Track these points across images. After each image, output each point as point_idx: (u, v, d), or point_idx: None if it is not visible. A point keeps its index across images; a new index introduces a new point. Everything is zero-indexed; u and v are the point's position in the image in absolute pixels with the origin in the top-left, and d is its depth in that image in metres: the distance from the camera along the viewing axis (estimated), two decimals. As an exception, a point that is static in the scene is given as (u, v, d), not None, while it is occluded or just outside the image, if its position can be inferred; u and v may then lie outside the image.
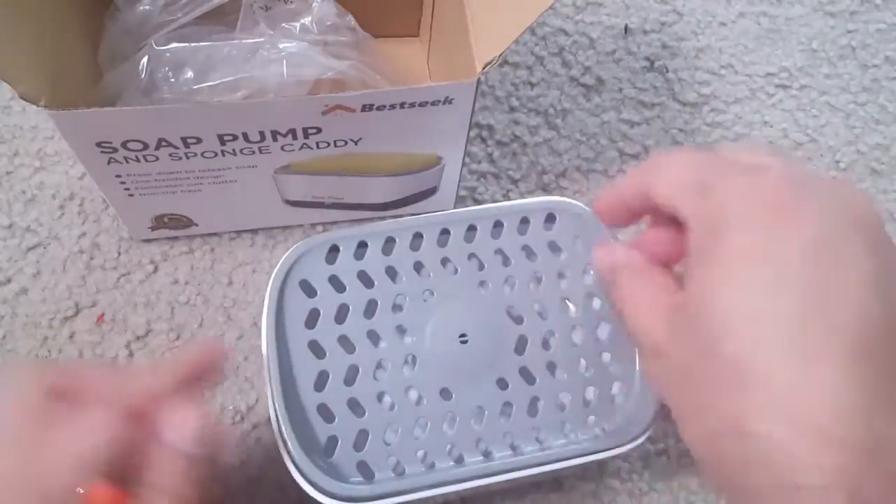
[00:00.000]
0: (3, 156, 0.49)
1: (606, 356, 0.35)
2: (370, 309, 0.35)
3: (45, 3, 0.38)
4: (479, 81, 0.38)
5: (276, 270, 0.35)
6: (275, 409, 0.32)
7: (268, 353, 0.33)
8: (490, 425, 0.34)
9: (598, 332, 0.36)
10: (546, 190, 0.51)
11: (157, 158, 0.39)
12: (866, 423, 0.21)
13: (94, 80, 0.44)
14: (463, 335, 0.35)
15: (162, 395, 0.28)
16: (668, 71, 0.55)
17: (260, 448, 0.41)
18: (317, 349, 0.34)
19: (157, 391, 0.28)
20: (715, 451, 0.23)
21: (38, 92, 0.34)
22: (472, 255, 0.36)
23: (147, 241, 0.47)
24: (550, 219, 0.37)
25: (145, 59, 0.44)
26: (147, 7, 0.44)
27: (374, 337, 0.35)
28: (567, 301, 0.36)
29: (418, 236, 0.36)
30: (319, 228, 0.48)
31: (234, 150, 0.39)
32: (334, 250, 0.36)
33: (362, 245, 0.36)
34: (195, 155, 0.39)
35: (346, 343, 0.34)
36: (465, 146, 0.43)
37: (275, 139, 0.39)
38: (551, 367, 0.35)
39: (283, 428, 0.32)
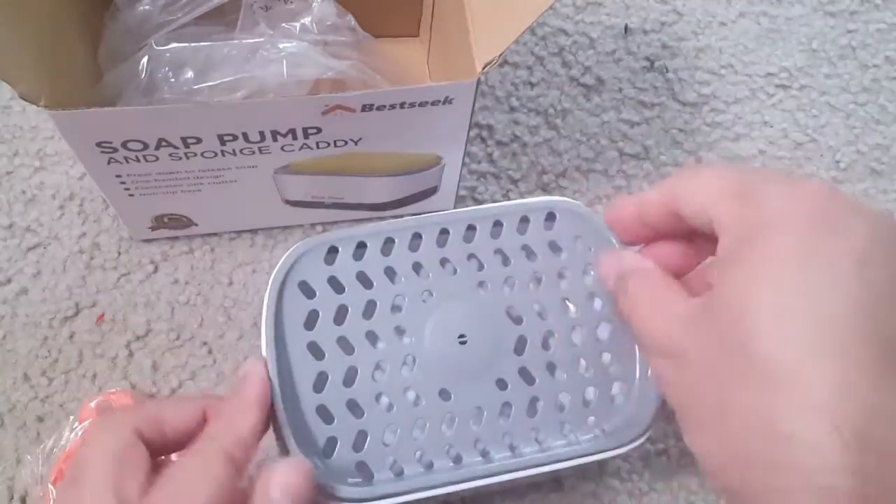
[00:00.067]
0: (3, 156, 0.49)
1: (607, 356, 0.35)
2: (369, 310, 0.35)
3: (45, 3, 0.38)
4: (479, 81, 0.38)
5: (274, 272, 0.35)
6: (274, 411, 0.32)
7: (267, 354, 0.33)
8: (489, 426, 0.34)
9: (598, 333, 0.36)
10: (546, 190, 0.51)
11: (157, 158, 0.39)
12: None
13: (94, 80, 0.44)
14: (462, 336, 0.35)
15: (254, 439, 0.30)
16: (668, 71, 0.55)
17: (259, 449, 0.41)
18: (316, 350, 0.34)
19: (248, 437, 0.30)
20: (737, 453, 0.23)
21: (38, 92, 0.34)
22: (471, 256, 0.36)
23: (147, 241, 0.47)
24: (550, 218, 0.37)
25: (145, 59, 0.44)
26: (147, 7, 0.44)
27: (372, 338, 0.35)
28: (567, 301, 0.36)
29: (417, 237, 0.36)
30: (319, 228, 0.48)
31: (234, 150, 0.39)
32: (333, 251, 0.36)
33: (361, 246, 0.36)
34: (195, 155, 0.39)
35: (345, 344, 0.34)
36: (465, 146, 0.43)
37: (275, 139, 0.39)
38: (551, 367, 0.35)
39: (282, 429, 0.32)
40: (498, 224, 0.37)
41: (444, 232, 0.36)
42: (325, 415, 0.33)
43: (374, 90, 0.41)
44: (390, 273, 0.35)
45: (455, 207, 0.48)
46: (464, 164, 0.45)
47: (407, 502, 0.33)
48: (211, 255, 0.47)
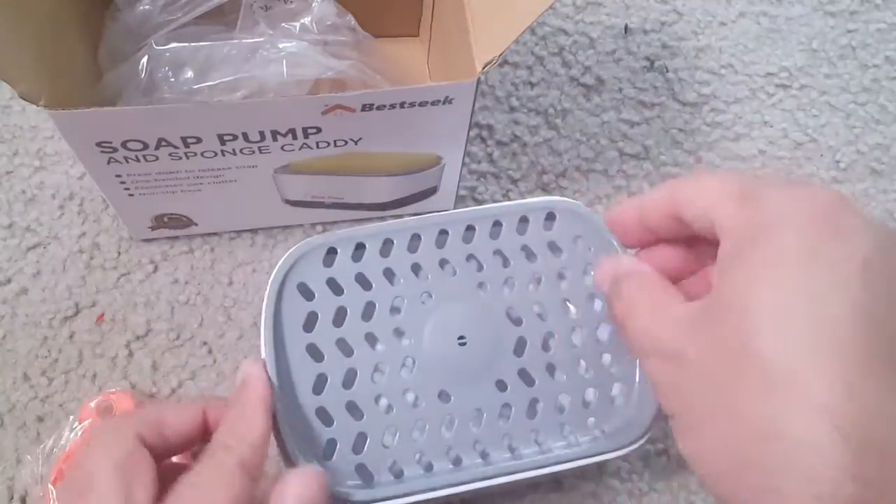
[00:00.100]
0: (3, 156, 0.49)
1: (607, 357, 0.35)
2: (368, 311, 0.35)
3: (45, 3, 0.38)
4: (479, 81, 0.38)
5: (273, 274, 0.35)
6: (273, 413, 0.32)
7: (266, 357, 0.33)
8: (488, 427, 0.34)
9: (598, 334, 0.35)
10: (546, 190, 0.51)
11: (157, 158, 0.39)
12: None
13: (94, 80, 0.44)
14: (461, 337, 0.34)
15: (264, 444, 0.30)
16: (668, 71, 0.55)
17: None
18: (315, 352, 0.34)
19: (258, 442, 0.30)
20: (734, 455, 0.23)
21: (38, 92, 0.34)
22: (470, 257, 0.36)
23: (147, 240, 0.47)
24: (550, 218, 0.37)
25: (145, 59, 0.44)
26: (147, 7, 0.44)
27: (372, 339, 0.34)
28: (567, 302, 0.36)
29: (416, 237, 0.36)
30: (319, 228, 0.48)
31: (234, 149, 0.39)
32: (332, 252, 0.35)
33: (360, 247, 0.36)
34: (195, 155, 0.39)
35: (344, 346, 0.34)
36: (465, 146, 0.43)
37: (275, 139, 0.39)
38: (551, 368, 0.35)
39: (282, 431, 0.32)
40: (497, 224, 0.36)
41: (444, 233, 0.36)
42: (324, 417, 0.33)
43: (374, 90, 0.41)
44: (389, 274, 0.35)
45: (455, 207, 0.48)
46: (464, 164, 0.45)
47: None
48: (211, 255, 0.47)
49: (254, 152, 0.40)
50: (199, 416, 0.31)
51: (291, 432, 0.32)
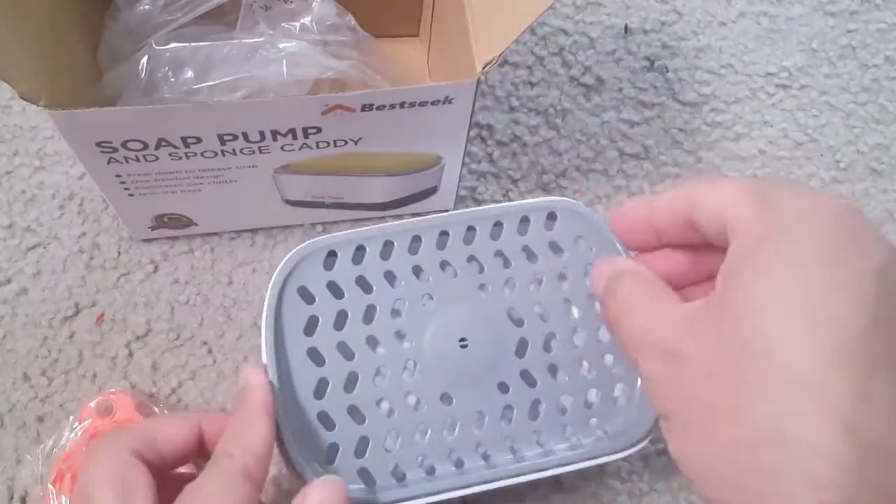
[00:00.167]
0: (3, 156, 0.49)
1: (609, 358, 0.35)
2: (369, 314, 0.35)
3: (45, 3, 0.38)
4: (479, 81, 0.38)
5: (273, 277, 0.34)
6: (276, 418, 0.32)
7: (267, 361, 0.33)
8: (491, 430, 0.34)
9: (600, 334, 0.35)
10: (546, 190, 0.51)
11: (157, 158, 0.39)
12: None
13: (94, 80, 0.44)
14: (463, 339, 0.34)
15: (267, 450, 0.30)
16: (668, 71, 0.55)
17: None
18: (316, 356, 0.34)
19: (261, 449, 0.30)
20: (734, 458, 0.22)
21: (38, 92, 0.34)
22: (471, 258, 0.36)
23: (147, 240, 0.47)
24: (551, 218, 0.37)
25: (145, 59, 0.44)
26: (147, 7, 0.44)
27: (373, 343, 0.34)
28: (569, 302, 0.36)
29: (417, 239, 0.36)
30: (319, 228, 0.48)
31: (234, 149, 0.39)
32: (332, 255, 0.35)
33: (360, 249, 0.35)
34: (195, 155, 0.39)
35: (345, 350, 0.34)
36: (465, 146, 0.43)
37: (275, 139, 0.39)
38: (552, 369, 0.35)
39: (283, 436, 0.32)
40: (498, 225, 0.36)
41: (444, 234, 0.36)
42: (326, 421, 0.33)
43: (374, 90, 0.41)
44: (390, 277, 0.35)
45: (455, 207, 0.48)
46: (464, 163, 0.45)
47: None
48: (211, 255, 0.47)
49: (254, 152, 0.40)
50: (195, 429, 0.31)
51: (293, 437, 0.32)
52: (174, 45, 0.44)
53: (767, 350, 0.21)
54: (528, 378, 0.34)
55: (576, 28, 0.57)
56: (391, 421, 0.33)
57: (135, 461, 0.29)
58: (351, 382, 0.34)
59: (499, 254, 0.36)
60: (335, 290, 0.35)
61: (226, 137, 0.38)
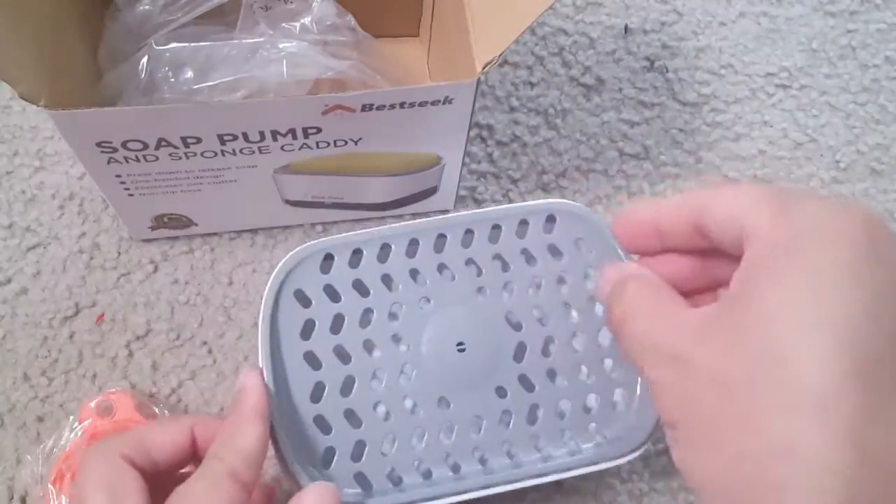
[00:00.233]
0: (3, 156, 0.49)
1: (608, 362, 0.35)
2: (366, 318, 0.34)
3: (45, 3, 0.38)
4: (479, 81, 0.38)
5: (270, 281, 0.34)
6: (272, 421, 0.32)
7: (263, 365, 0.33)
8: (488, 434, 0.33)
9: (599, 338, 0.35)
10: (546, 190, 0.51)
11: (157, 158, 0.39)
12: None
13: (94, 80, 0.44)
14: (460, 343, 0.34)
15: (258, 453, 0.30)
16: (668, 71, 0.55)
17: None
18: (312, 360, 0.34)
19: (252, 451, 0.30)
20: (745, 471, 0.21)
21: (38, 92, 0.34)
22: (469, 261, 0.35)
23: (147, 240, 0.47)
24: (550, 221, 0.36)
25: (145, 59, 0.44)
26: (147, 7, 0.44)
27: (369, 346, 0.34)
28: (568, 306, 0.36)
29: (414, 242, 0.35)
30: (319, 228, 0.48)
31: (234, 150, 0.39)
32: (329, 259, 0.35)
33: (357, 252, 0.35)
34: (195, 155, 0.39)
35: (341, 353, 0.34)
36: (465, 146, 0.43)
37: (275, 139, 0.39)
38: (551, 374, 0.34)
39: (279, 439, 0.32)
40: (496, 228, 0.36)
41: (442, 237, 0.36)
42: (322, 425, 0.33)
43: (374, 90, 0.41)
44: (387, 280, 0.35)
45: (455, 207, 0.48)
46: (464, 164, 0.45)
47: None
48: (211, 255, 0.47)
49: (254, 152, 0.40)
50: (187, 433, 0.31)
51: (289, 440, 0.32)
52: (174, 45, 0.44)
53: (782, 361, 0.21)
54: (526, 383, 0.34)
55: (576, 28, 0.57)
56: (388, 425, 0.33)
57: (126, 466, 0.29)
58: (347, 386, 0.33)
59: (497, 257, 0.36)
60: (332, 294, 0.35)
61: (226, 137, 0.38)
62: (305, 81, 0.44)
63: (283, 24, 0.46)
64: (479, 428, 0.34)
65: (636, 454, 0.34)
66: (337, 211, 0.47)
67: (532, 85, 0.54)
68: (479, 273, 0.35)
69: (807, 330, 0.21)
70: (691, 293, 0.29)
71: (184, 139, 0.38)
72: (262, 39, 0.45)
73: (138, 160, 0.39)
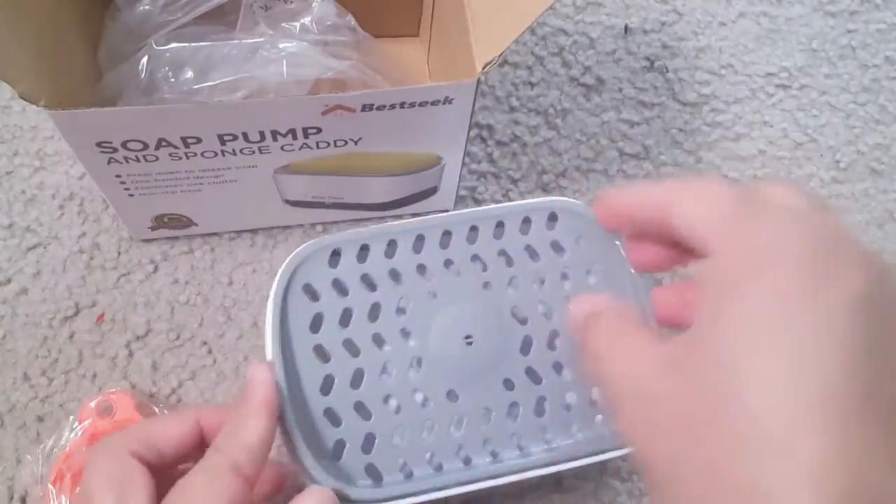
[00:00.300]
0: (3, 156, 0.49)
1: None
2: (374, 312, 0.35)
3: (45, 3, 0.38)
4: (479, 81, 0.38)
5: (278, 275, 0.35)
6: (282, 414, 0.32)
7: (273, 358, 0.33)
8: (497, 426, 0.34)
9: None
10: (546, 190, 0.51)
11: (157, 158, 0.39)
12: None
13: (94, 80, 0.44)
14: (468, 336, 0.35)
15: (262, 446, 0.30)
16: (668, 71, 0.55)
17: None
18: (322, 353, 0.34)
19: (255, 444, 0.30)
20: None
21: (38, 92, 0.34)
22: (475, 257, 0.36)
23: (147, 241, 0.47)
24: (552, 218, 0.37)
25: (145, 59, 0.44)
26: (147, 7, 0.44)
27: (378, 340, 0.34)
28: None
29: (420, 238, 0.36)
30: (319, 228, 0.48)
31: (234, 150, 0.39)
32: (336, 254, 0.36)
33: (364, 248, 0.36)
34: (195, 155, 0.39)
35: (350, 346, 0.34)
36: (465, 146, 0.43)
37: (275, 139, 0.39)
38: (557, 366, 0.35)
39: (290, 432, 0.32)
40: (500, 225, 0.36)
41: (447, 233, 0.36)
42: (332, 417, 0.33)
43: (374, 90, 0.41)
44: (394, 275, 0.35)
45: (455, 207, 0.48)
46: (464, 164, 0.45)
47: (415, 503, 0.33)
48: (211, 255, 0.47)
49: (254, 152, 0.40)
50: (193, 424, 0.31)
51: (300, 433, 0.32)
52: (174, 45, 0.44)
53: (748, 408, 0.20)
54: (533, 375, 0.35)
55: (576, 28, 0.57)
56: (398, 417, 0.33)
57: (133, 462, 0.29)
58: (357, 379, 0.34)
59: (502, 253, 0.36)
60: (340, 288, 0.35)
61: (226, 137, 0.38)
62: (305, 81, 0.44)
63: (283, 24, 0.46)
64: (489, 420, 0.34)
65: None
66: (337, 211, 0.47)
67: (532, 85, 0.54)
68: (485, 268, 0.36)
69: (764, 367, 0.20)
70: (669, 268, 0.29)
71: (184, 139, 0.38)
72: (262, 39, 0.45)
73: (138, 160, 0.39)
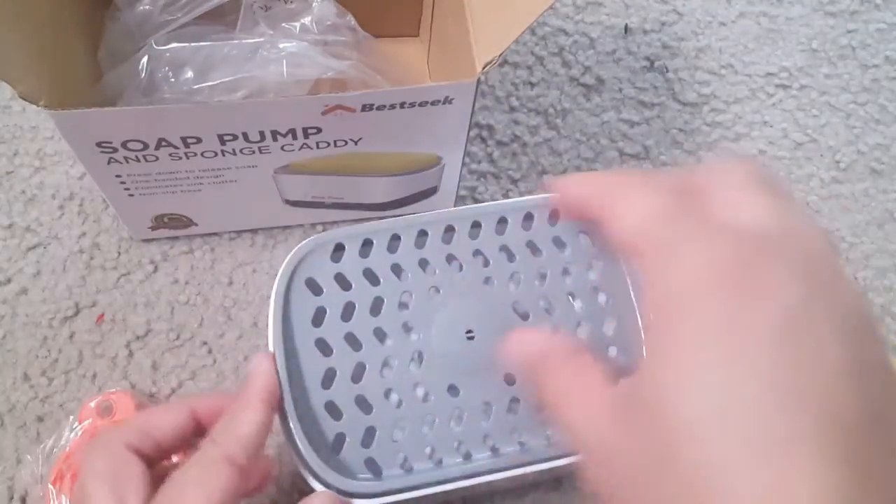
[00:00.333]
0: (3, 156, 0.49)
1: (612, 350, 0.36)
2: (376, 306, 0.35)
3: (45, 3, 0.38)
4: (479, 81, 0.38)
5: (281, 268, 0.35)
6: (282, 407, 0.32)
7: (275, 350, 0.33)
8: (498, 421, 0.34)
9: (603, 328, 0.36)
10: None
11: (157, 158, 0.39)
12: None
13: (94, 80, 0.44)
14: (469, 331, 0.35)
15: (257, 436, 0.30)
16: (668, 71, 0.55)
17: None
18: (324, 347, 0.34)
19: (250, 434, 0.30)
20: None
21: (38, 92, 0.34)
22: (477, 252, 0.36)
23: (147, 241, 0.47)
24: (554, 216, 0.37)
25: (145, 59, 0.44)
26: (147, 7, 0.44)
27: (380, 334, 0.35)
28: (572, 296, 0.36)
29: (423, 233, 0.36)
30: (319, 228, 0.48)
31: (234, 150, 0.39)
32: (339, 248, 0.36)
33: (367, 243, 0.36)
34: (195, 155, 0.39)
35: (352, 341, 0.34)
36: (465, 146, 0.43)
37: (275, 139, 0.39)
38: None
39: (290, 425, 0.32)
40: (502, 221, 0.37)
41: (450, 229, 0.36)
42: (333, 411, 0.33)
43: (374, 90, 0.41)
44: (397, 270, 0.36)
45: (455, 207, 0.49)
46: (464, 164, 0.45)
47: (414, 498, 0.33)
48: (211, 255, 0.47)
49: (254, 152, 0.40)
50: (186, 414, 0.31)
51: (300, 426, 0.32)
52: (174, 45, 0.44)
53: (685, 456, 0.20)
54: None
55: (576, 28, 0.57)
56: (399, 412, 0.34)
57: (128, 454, 0.29)
58: (358, 373, 0.34)
59: (504, 248, 0.36)
60: (343, 282, 0.35)
61: (226, 137, 0.38)
62: (305, 81, 0.45)
63: (283, 24, 0.46)
64: (489, 415, 0.34)
65: None
66: (337, 211, 0.47)
67: (532, 85, 0.54)
68: (487, 264, 0.36)
69: (697, 416, 0.20)
70: None
71: (184, 139, 0.38)
72: (262, 39, 0.45)
73: (138, 160, 0.39)
